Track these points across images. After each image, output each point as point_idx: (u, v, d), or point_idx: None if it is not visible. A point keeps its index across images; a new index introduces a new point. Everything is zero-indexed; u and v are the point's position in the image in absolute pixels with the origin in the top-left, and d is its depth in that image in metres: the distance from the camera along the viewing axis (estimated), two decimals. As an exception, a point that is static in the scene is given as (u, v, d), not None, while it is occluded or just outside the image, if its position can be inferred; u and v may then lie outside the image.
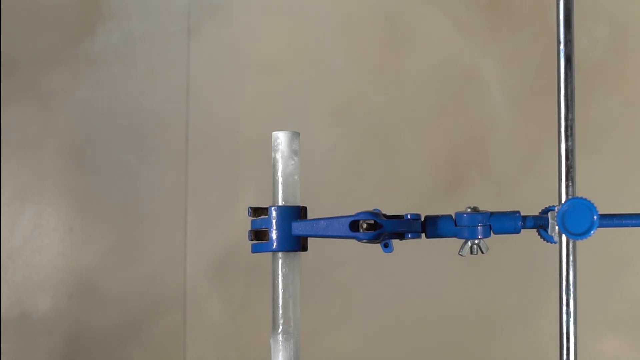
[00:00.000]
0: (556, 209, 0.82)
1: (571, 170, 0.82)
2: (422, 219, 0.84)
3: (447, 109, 1.73)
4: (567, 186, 0.82)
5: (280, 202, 0.84)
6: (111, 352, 1.73)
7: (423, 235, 0.84)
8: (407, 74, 1.74)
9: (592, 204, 0.81)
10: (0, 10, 1.77)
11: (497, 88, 1.72)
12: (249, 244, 0.84)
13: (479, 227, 0.83)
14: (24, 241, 1.75)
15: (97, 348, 1.73)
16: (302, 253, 0.84)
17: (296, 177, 0.84)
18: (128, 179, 1.75)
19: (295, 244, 0.83)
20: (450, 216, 0.84)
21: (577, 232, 0.81)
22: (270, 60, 1.76)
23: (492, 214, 0.83)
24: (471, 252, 0.83)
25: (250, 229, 0.84)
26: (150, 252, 1.74)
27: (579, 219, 0.81)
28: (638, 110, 1.71)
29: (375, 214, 0.81)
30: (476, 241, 0.83)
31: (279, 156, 0.84)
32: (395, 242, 0.83)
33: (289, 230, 0.83)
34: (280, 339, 0.82)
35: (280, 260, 0.83)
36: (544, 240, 0.86)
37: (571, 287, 0.81)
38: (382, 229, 0.81)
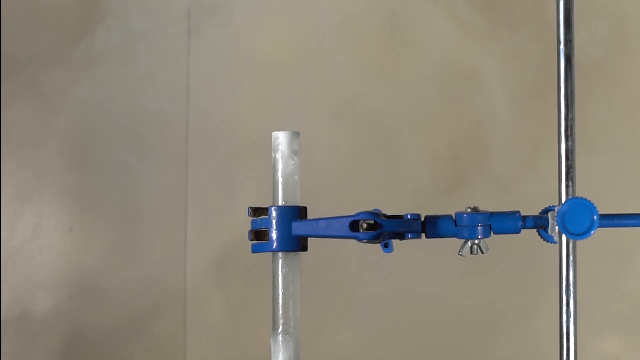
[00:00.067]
0: (556, 209, 0.82)
1: (571, 170, 0.82)
2: (422, 219, 0.84)
3: (447, 108, 1.73)
4: (567, 186, 0.82)
5: (280, 202, 0.84)
6: (111, 352, 1.73)
7: (423, 235, 0.84)
8: (407, 74, 1.74)
9: (592, 204, 0.81)
10: (0, 10, 1.77)
11: (497, 87, 1.72)
12: (249, 243, 0.84)
13: (479, 227, 0.83)
14: (24, 241, 1.75)
15: (97, 348, 1.73)
16: (302, 253, 0.84)
17: (296, 177, 0.84)
18: (128, 179, 1.75)
19: (295, 244, 0.83)
20: (450, 216, 0.84)
21: (577, 232, 0.81)
22: (270, 60, 1.76)
23: (492, 214, 0.83)
24: (471, 252, 0.83)
25: (250, 229, 0.84)
26: (150, 252, 1.74)
27: (579, 219, 0.81)
28: (638, 109, 1.71)
29: (375, 214, 0.81)
30: (476, 241, 0.83)
31: (279, 156, 0.84)
32: (395, 242, 0.83)
33: (289, 230, 0.83)
34: (280, 339, 0.82)
35: (280, 260, 0.83)
36: (544, 240, 0.86)
37: (571, 287, 0.81)
38: (382, 229, 0.81)
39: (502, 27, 1.73)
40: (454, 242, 0.85)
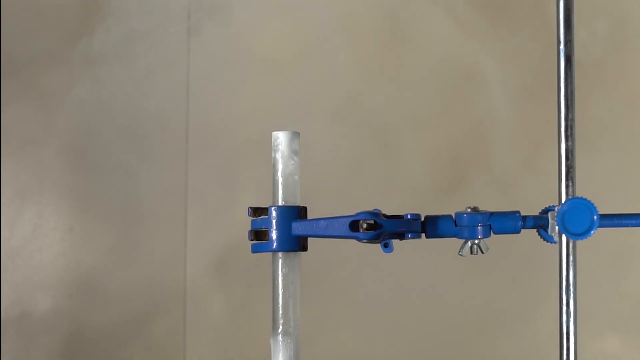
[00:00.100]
0: (556, 209, 0.82)
1: (571, 170, 0.82)
2: (422, 219, 0.84)
3: (448, 108, 1.73)
4: (567, 186, 0.82)
5: (280, 202, 0.84)
6: (111, 352, 1.73)
7: (423, 235, 0.84)
8: (407, 74, 1.74)
9: (592, 204, 0.81)
10: (0, 9, 1.77)
11: (497, 87, 1.72)
12: (249, 243, 0.84)
13: (479, 227, 0.83)
14: (24, 241, 1.75)
15: (97, 348, 1.73)
16: (302, 253, 0.84)
17: (296, 177, 0.84)
18: (128, 179, 1.75)
19: (295, 244, 0.83)
20: (450, 216, 0.84)
21: (577, 232, 0.81)
22: (270, 60, 1.76)
23: (492, 214, 0.83)
24: (471, 252, 0.83)
25: (250, 229, 0.84)
26: (151, 252, 1.74)
27: (579, 219, 0.81)
28: (638, 109, 1.71)
29: (375, 214, 0.81)
30: (476, 241, 0.83)
31: (279, 156, 0.84)
32: (395, 242, 0.83)
33: (289, 230, 0.83)
34: (280, 339, 0.82)
35: (280, 260, 0.83)
36: (544, 240, 0.86)
37: (571, 287, 0.81)
38: (382, 229, 0.81)
39: (502, 26, 1.73)
40: (454, 242, 0.85)
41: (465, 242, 0.83)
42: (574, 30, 0.83)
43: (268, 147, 0.85)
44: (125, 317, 1.73)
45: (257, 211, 0.84)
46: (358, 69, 1.75)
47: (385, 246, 0.82)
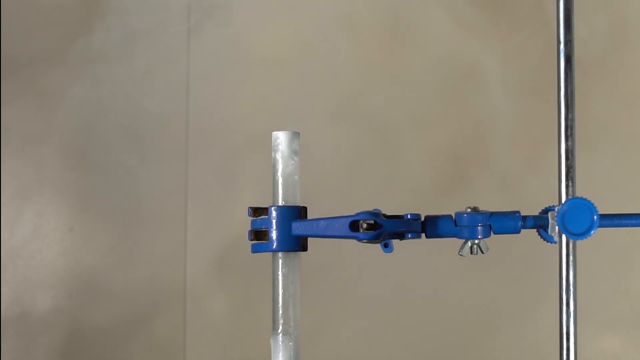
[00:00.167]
0: (556, 209, 0.82)
1: (571, 170, 0.82)
2: (422, 219, 0.84)
3: (448, 107, 1.73)
4: (567, 186, 0.82)
5: (280, 202, 0.84)
6: (111, 352, 1.73)
7: (423, 235, 0.84)
8: (407, 73, 1.74)
9: (592, 204, 0.81)
10: (0, 9, 1.77)
11: (498, 86, 1.72)
12: (249, 243, 0.84)
13: (479, 227, 0.83)
14: (24, 241, 1.75)
15: (97, 348, 1.73)
16: (302, 253, 0.84)
17: (296, 177, 0.84)
18: (128, 178, 1.75)
19: (295, 244, 0.83)
20: (450, 216, 0.84)
21: (577, 232, 0.81)
22: (270, 60, 1.76)
23: (492, 214, 0.83)
24: (471, 252, 0.83)
25: (250, 229, 0.84)
26: (150, 252, 1.74)
27: (579, 219, 0.81)
28: (638, 109, 1.71)
29: (375, 214, 0.81)
30: (476, 241, 0.83)
31: (279, 156, 0.84)
32: (395, 242, 0.83)
33: (289, 230, 0.83)
34: (280, 339, 0.82)
35: (280, 260, 0.83)
36: (544, 240, 0.86)
37: (571, 287, 0.81)
38: (382, 229, 0.81)
39: (503, 25, 1.73)
40: (454, 242, 0.85)
41: (465, 242, 0.83)
42: (574, 30, 0.83)
43: (268, 147, 0.85)
44: (125, 317, 1.73)
45: (257, 211, 0.84)
46: (358, 68, 1.75)
47: (385, 246, 0.82)
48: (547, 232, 0.84)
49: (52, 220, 1.75)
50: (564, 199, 0.82)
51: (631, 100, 1.71)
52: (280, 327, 0.82)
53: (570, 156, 0.82)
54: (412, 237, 0.83)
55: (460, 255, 0.84)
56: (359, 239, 0.82)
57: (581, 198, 0.81)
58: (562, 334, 0.81)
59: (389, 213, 0.83)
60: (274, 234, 0.83)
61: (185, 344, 1.72)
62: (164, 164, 1.75)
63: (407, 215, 0.83)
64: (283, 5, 1.77)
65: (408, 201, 1.70)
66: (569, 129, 0.82)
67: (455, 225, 0.83)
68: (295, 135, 0.84)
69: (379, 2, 1.76)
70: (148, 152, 1.75)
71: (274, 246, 0.83)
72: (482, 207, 0.84)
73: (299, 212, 0.84)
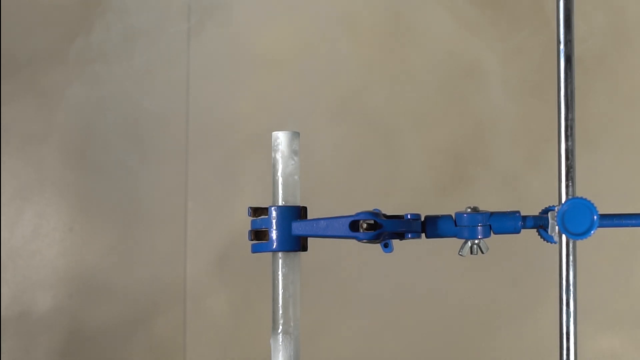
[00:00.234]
0: (556, 209, 0.82)
1: (571, 170, 0.82)
2: (422, 219, 0.84)
3: (448, 107, 1.73)
4: (567, 186, 0.82)
5: (280, 202, 0.84)
6: (111, 352, 1.73)
7: (423, 235, 0.84)
8: (408, 73, 1.74)
9: (592, 204, 0.81)
10: (0, 8, 1.77)
11: (499, 85, 1.72)
12: (249, 243, 0.84)
13: (479, 227, 0.83)
14: (24, 241, 1.75)
15: (97, 347, 1.73)
16: (302, 253, 0.84)
17: (296, 177, 0.84)
18: (128, 178, 1.75)
19: (295, 244, 0.83)
20: (450, 216, 0.84)
21: (577, 232, 0.81)
22: (270, 59, 1.76)
23: (492, 214, 0.83)
24: (471, 252, 0.83)
25: (250, 229, 0.84)
26: (151, 252, 1.74)
27: (579, 219, 0.81)
28: (638, 109, 1.71)
29: (375, 214, 0.81)
30: (476, 241, 0.83)
31: (279, 156, 0.84)
32: (395, 242, 0.83)
33: (289, 230, 0.83)
34: (280, 339, 0.82)
35: (280, 260, 0.83)
36: (544, 240, 0.86)
37: (571, 287, 0.81)
38: (382, 229, 0.81)
39: (503, 24, 1.73)
40: (454, 242, 0.85)
41: (465, 242, 0.83)
42: (574, 30, 0.83)
43: (268, 147, 0.85)
44: (125, 317, 1.73)
45: (257, 211, 0.84)
46: (358, 68, 1.75)
47: (385, 246, 0.83)
48: (547, 232, 0.84)
49: (52, 220, 1.75)
50: (564, 199, 0.82)
51: (631, 100, 1.71)
52: (280, 327, 0.82)
53: (570, 156, 0.82)
54: (412, 237, 0.83)
55: (460, 255, 0.84)
56: (359, 239, 0.82)
57: (581, 198, 0.81)
58: (562, 334, 0.81)
59: (389, 213, 0.83)
60: (274, 234, 0.83)
61: (185, 344, 1.72)
62: (164, 164, 1.75)
63: (407, 215, 0.83)
64: (283, 5, 1.77)
65: (408, 201, 1.70)
66: (569, 129, 0.82)
67: (455, 225, 0.83)
68: (295, 135, 0.84)
69: (379, 1, 1.76)
70: (148, 152, 1.75)
71: (274, 246, 0.83)
72: (483, 207, 0.84)
73: (299, 212, 0.84)
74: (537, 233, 0.86)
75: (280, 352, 0.82)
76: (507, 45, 1.73)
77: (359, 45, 1.75)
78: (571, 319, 0.81)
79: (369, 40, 1.76)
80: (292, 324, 0.82)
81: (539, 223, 0.84)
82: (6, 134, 1.75)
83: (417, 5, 1.75)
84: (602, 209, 0.82)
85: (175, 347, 1.73)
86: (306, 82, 1.75)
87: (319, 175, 1.72)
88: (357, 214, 0.81)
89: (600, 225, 0.81)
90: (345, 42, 1.75)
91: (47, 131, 1.76)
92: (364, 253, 1.63)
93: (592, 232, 0.81)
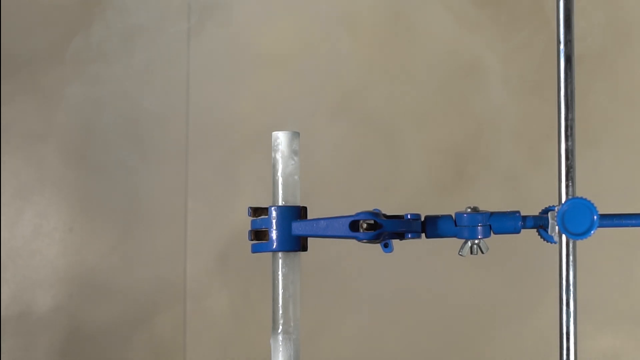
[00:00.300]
0: (556, 209, 0.82)
1: (571, 170, 0.82)
2: (422, 219, 0.84)
3: (449, 107, 1.73)
4: (567, 186, 0.82)
5: (280, 202, 0.84)
6: (111, 352, 1.73)
7: (423, 235, 0.84)
8: (408, 72, 1.74)
9: (592, 204, 0.81)
10: (0, 8, 1.77)
11: (499, 84, 1.72)
12: (249, 243, 0.84)
13: (479, 227, 0.83)
14: (24, 241, 1.75)
15: (97, 347, 1.73)
16: (302, 253, 0.84)
17: (296, 177, 0.84)
18: (128, 177, 1.75)
19: (295, 244, 0.83)
20: (450, 216, 0.84)
21: (577, 232, 0.81)
22: (270, 59, 1.76)
23: (492, 214, 0.83)
24: (471, 252, 0.83)
25: (250, 229, 0.84)
26: (151, 252, 1.74)
27: (579, 219, 0.81)
28: (638, 108, 1.71)
29: (375, 214, 0.81)
30: (476, 241, 0.83)
31: (279, 156, 0.84)
32: (395, 242, 0.83)
33: (289, 230, 0.83)
34: (280, 338, 0.82)
35: (280, 260, 0.83)
36: (544, 240, 0.86)
37: (571, 287, 0.81)
38: (382, 229, 0.81)
39: (503, 24, 1.73)
40: (454, 242, 0.85)
41: (465, 242, 0.83)
42: (574, 30, 0.83)
43: (268, 146, 0.85)
44: (126, 317, 1.73)
45: (257, 211, 0.84)
46: (358, 68, 1.75)
47: (385, 246, 0.83)
48: (547, 232, 0.84)
49: (52, 220, 1.75)
50: (564, 199, 0.82)
51: (631, 99, 1.71)
52: (280, 327, 0.82)
53: (570, 156, 0.82)
54: (412, 237, 0.83)
55: (460, 255, 0.84)
56: (359, 239, 0.82)
57: (581, 198, 0.81)
58: (562, 333, 0.81)
59: (389, 213, 0.83)
60: (274, 234, 0.83)
61: (185, 344, 1.72)
62: (164, 163, 1.75)
63: (407, 215, 0.83)
64: (283, 4, 1.77)
65: (408, 201, 1.70)
66: (569, 129, 0.82)
67: (455, 225, 0.83)
68: (295, 135, 0.84)
69: (379, 1, 1.76)
70: (148, 151, 1.75)
71: (274, 246, 0.83)
72: (483, 207, 0.84)
73: (299, 212, 0.84)
74: (537, 233, 0.86)
75: (280, 352, 0.82)
76: (508, 44, 1.73)
77: (359, 44, 1.75)
78: (571, 319, 0.81)
79: (369, 39, 1.76)
80: (292, 324, 0.82)
81: (539, 223, 0.84)
82: (6, 134, 1.75)
83: (418, 5, 1.75)
84: (602, 209, 0.82)
85: (175, 347, 1.73)
86: (306, 82, 1.75)
87: (319, 175, 1.72)
88: (357, 214, 0.81)
89: (600, 225, 0.81)
90: (345, 42, 1.75)
91: (47, 131, 1.76)
92: (364, 253, 1.63)
93: (592, 232, 0.81)
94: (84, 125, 1.76)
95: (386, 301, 1.71)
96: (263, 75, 1.76)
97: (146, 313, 1.73)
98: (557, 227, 0.81)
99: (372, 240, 0.81)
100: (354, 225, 0.81)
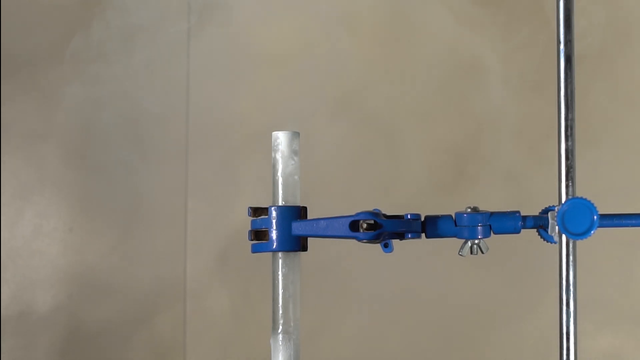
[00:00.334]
0: (556, 209, 0.82)
1: (571, 170, 0.82)
2: (422, 219, 0.84)
3: (449, 106, 1.73)
4: (567, 186, 0.82)
5: (280, 202, 0.84)
6: (111, 351, 1.73)
7: (423, 235, 0.84)
8: (408, 72, 1.74)
9: (592, 204, 0.81)
10: (0, 8, 1.77)
11: (500, 83, 1.72)
12: (249, 243, 0.84)
13: (479, 227, 0.83)
14: (24, 241, 1.75)
15: (97, 347, 1.73)
16: (302, 253, 0.84)
17: (296, 177, 0.84)
18: (128, 177, 1.75)
19: (295, 244, 0.83)
20: (450, 216, 0.84)
21: (577, 232, 0.81)
22: (270, 59, 1.76)
23: (492, 214, 0.83)
24: (471, 252, 0.83)
25: (250, 229, 0.84)
26: (151, 251, 1.74)
27: (579, 219, 0.81)
28: (638, 108, 1.71)
29: (375, 214, 0.81)
30: (476, 241, 0.83)
31: (279, 156, 0.84)
32: (395, 242, 0.83)
33: (289, 230, 0.83)
34: (280, 338, 0.82)
35: (280, 260, 0.83)
36: (544, 240, 0.86)
37: (571, 287, 0.81)
38: (382, 229, 0.81)
39: (504, 23, 1.73)
40: (454, 242, 0.85)
41: (465, 242, 0.83)
42: (574, 30, 0.83)
43: (268, 146, 0.85)
44: (126, 316, 1.73)
45: (257, 211, 0.84)
46: (358, 67, 1.75)
47: (385, 246, 0.83)
48: (547, 232, 0.84)
49: (52, 220, 1.75)
50: (564, 199, 0.82)
51: (631, 99, 1.71)
52: (280, 327, 0.82)
53: (570, 156, 0.82)
54: (412, 237, 0.83)
55: (460, 255, 0.84)
56: (359, 239, 0.82)
57: (581, 198, 0.81)
58: (562, 333, 0.81)
59: (389, 213, 0.83)
60: (274, 234, 0.83)
61: (185, 343, 1.72)
62: (164, 163, 1.75)
63: (407, 215, 0.83)
64: (283, 4, 1.77)
65: (408, 201, 1.70)
66: (569, 129, 0.82)
67: (455, 225, 0.83)
68: (295, 135, 0.84)
69: (379, 0, 1.76)
70: (148, 151, 1.75)
71: (274, 246, 0.83)
72: (483, 207, 0.84)
73: (299, 212, 0.84)
74: (537, 233, 0.86)
75: (280, 352, 0.82)
76: (508, 44, 1.73)
77: (359, 44, 1.75)
78: (571, 319, 0.81)
79: (370, 39, 1.76)
80: (292, 324, 0.82)
81: (539, 223, 0.84)
82: (6, 134, 1.75)
83: (418, 5, 1.75)
84: (602, 209, 0.82)
85: (176, 347, 1.73)
86: (306, 81, 1.75)
87: (319, 175, 1.72)
88: (357, 214, 0.81)
89: (600, 225, 0.81)
90: (346, 42, 1.75)
91: (47, 130, 1.76)
92: (364, 253, 1.63)
93: (592, 232, 0.81)
94: (84, 125, 1.76)
95: (386, 301, 1.71)
96: (263, 75, 1.76)
97: (146, 313, 1.73)
98: (557, 227, 0.81)
99: (372, 240, 0.81)
100: (354, 225, 0.81)
